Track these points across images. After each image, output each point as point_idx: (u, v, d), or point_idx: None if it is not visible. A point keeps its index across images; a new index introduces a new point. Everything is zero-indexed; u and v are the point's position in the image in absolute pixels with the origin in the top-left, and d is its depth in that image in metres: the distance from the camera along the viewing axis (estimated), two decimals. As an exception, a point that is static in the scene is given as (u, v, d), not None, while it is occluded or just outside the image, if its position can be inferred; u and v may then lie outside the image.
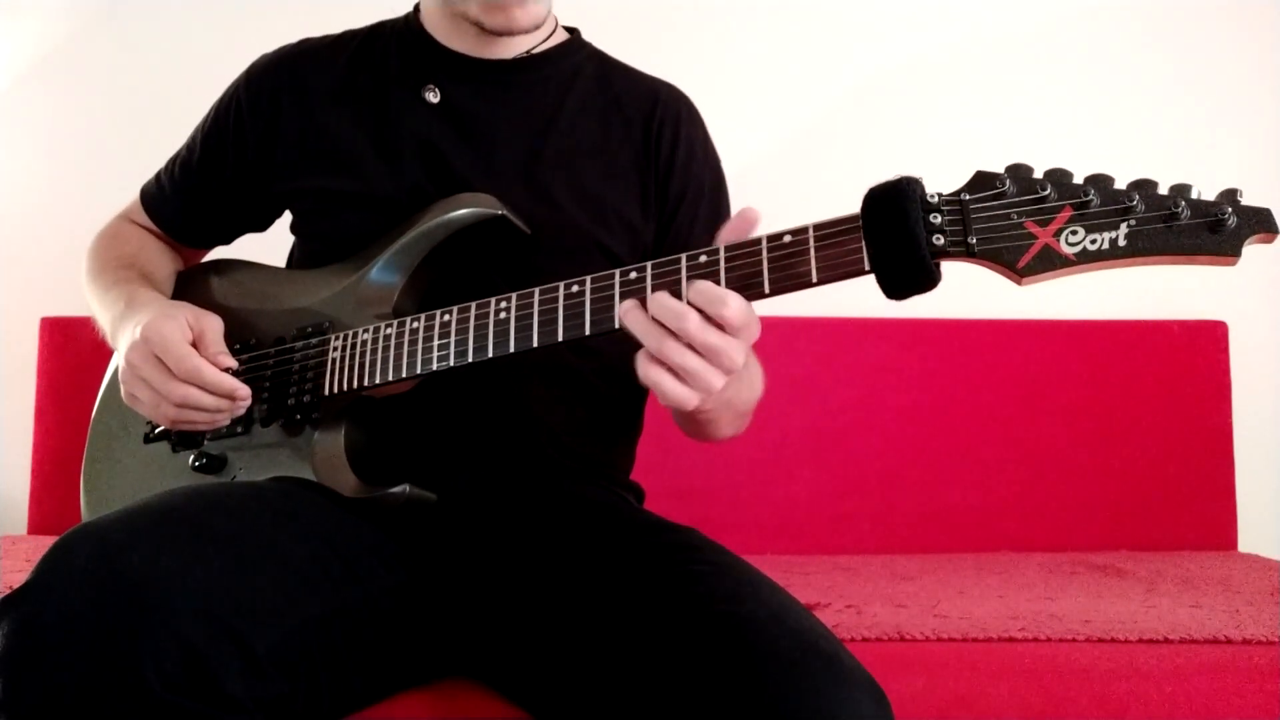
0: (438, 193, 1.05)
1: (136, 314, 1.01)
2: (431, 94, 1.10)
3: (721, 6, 1.95)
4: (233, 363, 0.99)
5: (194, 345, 0.97)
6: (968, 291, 1.62)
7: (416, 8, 1.16)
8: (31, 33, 1.91)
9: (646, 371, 0.80)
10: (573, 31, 1.18)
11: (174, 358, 0.95)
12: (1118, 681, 1.08)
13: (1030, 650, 1.12)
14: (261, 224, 1.23)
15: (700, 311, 0.78)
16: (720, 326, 0.78)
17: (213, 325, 1.00)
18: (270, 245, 1.23)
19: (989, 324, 1.80)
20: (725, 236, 0.82)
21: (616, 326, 0.84)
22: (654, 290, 0.82)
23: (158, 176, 1.22)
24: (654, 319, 0.79)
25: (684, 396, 0.79)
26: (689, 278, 0.81)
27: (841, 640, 0.80)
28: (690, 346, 0.78)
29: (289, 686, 0.79)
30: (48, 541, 0.77)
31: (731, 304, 0.77)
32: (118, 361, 1.00)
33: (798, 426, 1.73)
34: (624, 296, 0.83)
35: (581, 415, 1.09)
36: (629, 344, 1.13)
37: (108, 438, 1.14)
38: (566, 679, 0.86)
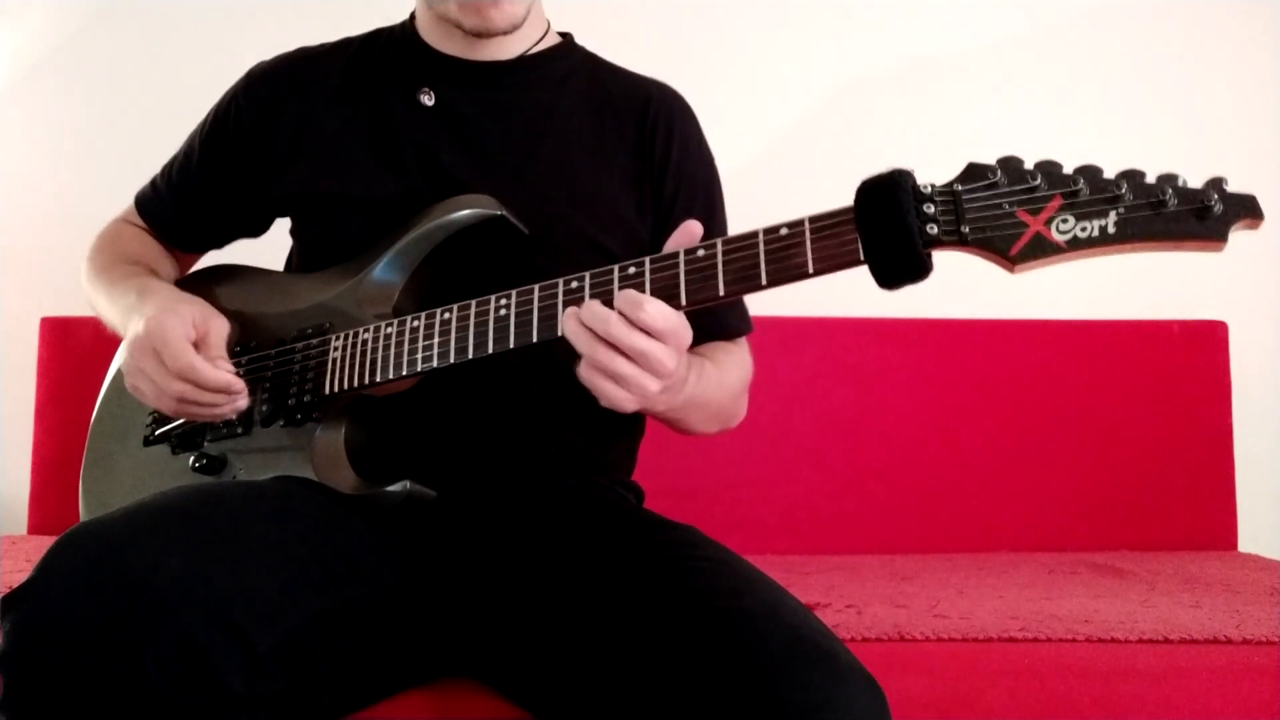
0: (434, 196, 1.05)
1: (145, 304, 1.01)
2: (426, 97, 1.10)
3: (713, 4, 1.95)
4: (229, 368, 0.98)
5: (196, 344, 0.97)
6: (967, 291, 1.62)
7: (412, 15, 1.18)
8: (31, 33, 1.91)
9: (584, 375, 0.84)
10: (565, 36, 1.20)
11: (170, 354, 0.95)
12: (1118, 681, 1.08)
13: (1030, 650, 1.11)
14: (257, 229, 1.23)
15: (624, 316, 0.81)
16: (645, 331, 0.81)
17: (218, 328, 1.00)
18: (266, 251, 1.23)
19: (988, 324, 1.80)
20: (669, 247, 0.86)
21: None
22: (652, 287, 0.83)
23: (153, 182, 1.23)
24: (586, 326, 0.83)
25: (619, 399, 0.84)
26: (687, 272, 0.81)
27: (842, 640, 0.80)
28: (619, 351, 0.81)
29: (290, 684, 0.79)
30: (48, 541, 0.77)
31: (649, 309, 0.81)
32: (122, 354, 1.00)
33: (798, 426, 1.73)
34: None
35: (581, 413, 1.09)
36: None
37: (107, 442, 1.14)
38: (564, 675, 0.86)
